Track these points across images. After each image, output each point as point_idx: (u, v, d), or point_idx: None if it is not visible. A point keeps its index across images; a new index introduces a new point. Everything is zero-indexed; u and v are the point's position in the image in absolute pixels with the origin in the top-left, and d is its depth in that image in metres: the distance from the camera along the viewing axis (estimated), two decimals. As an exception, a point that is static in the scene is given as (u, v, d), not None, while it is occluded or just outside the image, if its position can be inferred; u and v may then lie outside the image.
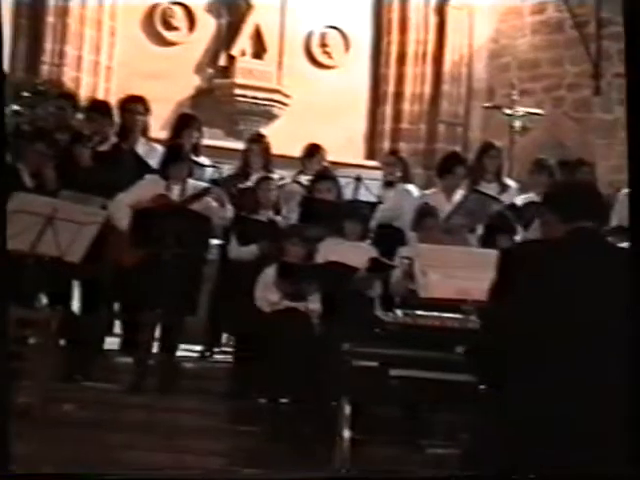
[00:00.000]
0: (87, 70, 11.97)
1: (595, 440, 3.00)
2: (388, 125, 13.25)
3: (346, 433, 5.07)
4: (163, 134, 8.37)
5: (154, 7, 12.57)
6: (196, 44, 12.78)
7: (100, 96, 11.29)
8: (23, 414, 5.41)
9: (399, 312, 5.21)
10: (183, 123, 8.03)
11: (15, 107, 8.74)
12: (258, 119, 12.77)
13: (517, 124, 11.46)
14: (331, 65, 13.32)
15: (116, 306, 7.67)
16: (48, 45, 11.64)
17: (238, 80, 12.67)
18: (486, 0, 13.26)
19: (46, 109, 7.87)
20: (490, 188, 7.86)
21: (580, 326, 3.06)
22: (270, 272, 6.65)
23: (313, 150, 8.41)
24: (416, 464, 5.78)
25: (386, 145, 12.81)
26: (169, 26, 12.64)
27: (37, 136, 7.30)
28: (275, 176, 7.80)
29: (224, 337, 8.20)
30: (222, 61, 12.83)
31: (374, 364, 4.94)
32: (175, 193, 7.02)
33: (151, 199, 6.90)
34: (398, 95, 13.23)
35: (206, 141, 8.53)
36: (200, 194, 7.00)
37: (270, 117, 12.82)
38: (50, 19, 11.66)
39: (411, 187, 8.18)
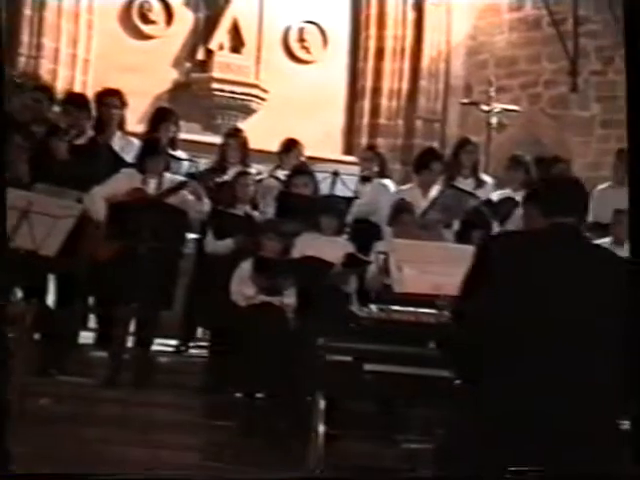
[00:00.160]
0: (64, 63, 11.90)
1: (575, 436, 3.00)
2: (366, 120, 13.25)
3: (321, 428, 5.07)
4: (140, 128, 8.35)
5: (131, 0, 12.52)
6: (174, 38, 12.73)
7: (77, 89, 11.24)
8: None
9: (374, 307, 5.21)
10: (160, 117, 8.02)
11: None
12: (236, 113, 12.74)
13: (494, 121, 11.50)
14: (309, 60, 13.31)
15: (91, 300, 7.65)
16: (25, 37, 11.57)
17: (216, 74, 12.64)
18: (464, -3, 13.31)
19: (22, 101, 7.82)
20: (466, 184, 7.89)
21: (556, 320, 3.05)
22: (246, 266, 6.64)
23: (290, 145, 8.41)
24: (391, 459, 5.80)
25: (364, 140, 12.81)
26: (147, 19, 12.58)
27: (13, 128, 7.25)
28: (252, 171, 7.80)
29: (199, 331, 8.19)
30: (200, 55, 12.78)
31: (348, 359, 4.94)
32: (151, 187, 7.01)
33: (127, 193, 6.88)
34: (376, 90, 13.24)
35: (184, 135, 8.52)
36: (177, 188, 6.99)
37: (248, 112, 12.79)
38: (27, 11, 11.59)
39: (388, 182, 8.20)
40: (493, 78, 12.10)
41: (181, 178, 7.25)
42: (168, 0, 12.66)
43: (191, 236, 7.55)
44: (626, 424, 3.22)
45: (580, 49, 12.43)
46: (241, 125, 10.94)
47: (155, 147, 7.22)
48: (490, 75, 12.42)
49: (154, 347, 7.19)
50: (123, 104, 7.83)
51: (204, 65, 12.76)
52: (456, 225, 7.60)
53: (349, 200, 7.70)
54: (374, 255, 6.72)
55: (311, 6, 13.15)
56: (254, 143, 8.30)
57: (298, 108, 12.47)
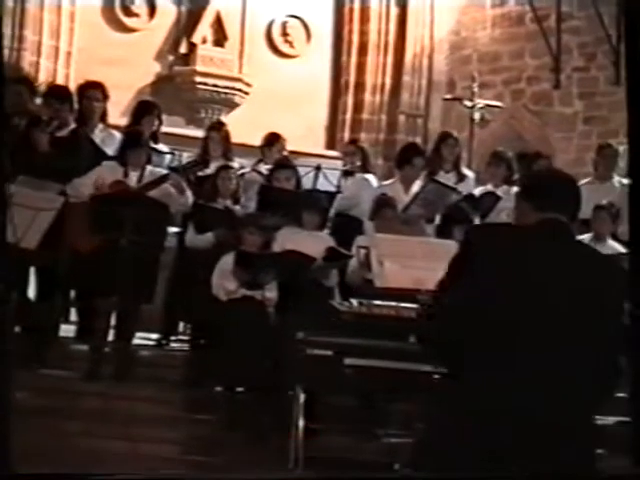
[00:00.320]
0: (46, 55, 11.87)
1: (554, 431, 3.00)
2: (349, 115, 13.28)
3: (301, 422, 5.07)
4: (123, 121, 8.33)
5: (114, -8, 12.50)
6: (156, 31, 12.71)
7: (59, 81, 11.21)
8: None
9: (354, 301, 5.21)
10: (143, 110, 8.00)
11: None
12: (219, 107, 12.74)
13: (477, 116, 11.54)
14: (292, 54, 13.31)
15: (72, 293, 7.63)
16: (7, 29, 11.51)
17: (199, 68, 12.63)
18: (447, -8, 13.33)
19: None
20: (448, 178, 7.92)
21: (541, 315, 3.05)
22: (228, 260, 6.63)
23: (273, 139, 8.42)
24: (371, 453, 5.81)
25: (347, 135, 12.85)
26: (129, 12, 12.56)
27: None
28: (235, 165, 7.79)
29: (181, 325, 8.18)
30: (183, 48, 12.77)
31: (329, 353, 4.95)
32: (133, 180, 6.99)
33: (108, 185, 6.87)
34: (359, 85, 13.27)
35: (167, 129, 8.51)
36: (158, 181, 6.98)
37: (231, 105, 12.79)
38: (9, 3, 11.52)
39: (370, 177, 8.21)
40: (476, 74, 12.14)
41: (163, 171, 7.24)
42: (151, -7, 12.65)
43: (172, 230, 7.54)
44: (604, 420, 3.23)
45: (563, 45, 12.48)
46: (224, 119, 10.94)
47: (137, 140, 7.20)
48: (473, 71, 12.46)
49: (135, 341, 7.17)
50: (105, 97, 7.80)
51: (187, 58, 12.75)
52: (438, 220, 7.61)
53: (331, 195, 7.70)
54: (355, 249, 6.72)
55: (294, 0, 13.14)
56: (237, 137, 8.29)
57: (281, 102, 12.47)
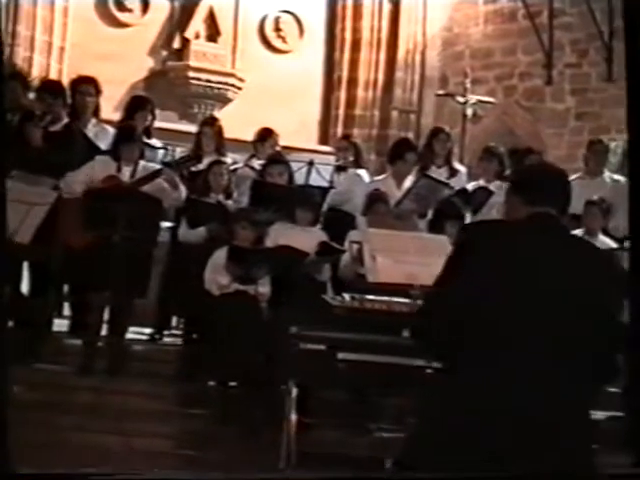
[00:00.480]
0: (40, 50, 11.86)
1: (548, 427, 3.01)
2: (341, 111, 13.30)
3: (293, 416, 5.09)
4: (116, 116, 8.33)
5: (107, -12, 12.49)
6: (150, 26, 12.71)
7: (53, 77, 11.19)
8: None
9: (347, 296, 5.23)
10: (136, 105, 8.00)
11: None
12: (212, 102, 12.75)
13: (469, 112, 11.56)
14: (285, 50, 13.32)
15: (65, 288, 7.63)
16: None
17: (192, 63, 12.64)
18: (440, -12, 13.35)
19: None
20: (440, 173, 7.94)
21: (535, 309, 3.05)
22: (221, 254, 6.64)
23: (266, 134, 8.42)
24: (364, 447, 5.83)
25: (339, 130, 12.87)
26: (122, 7, 12.55)
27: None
28: (228, 160, 7.79)
29: (174, 320, 8.19)
30: (176, 44, 12.78)
31: (322, 347, 4.96)
32: (126, 175, 7.00)
33: (101, 180, 6.87)
34: (352, 81, 13.28)
35: (160, 124, 8.51)
36: (151, 176, 6.99)
37: (224, 100, 12.79)
38: (2, -1, 11.53)
39: (362, 172, 8.23)
40: (468, 70, 12.16)
41: (156, 166, 7.25)
42: (144, -12, 12.64)
43: (165, 224, 7.55)
44: (595, 415, 3.23)
45: (555, 42, 12.50)
46: (217, 114, 10.96)
47: (130, 135, 7.21)
48: (466, 67, 12.48)
49: (128, 335, 7.18)
50: (98, 92, 7.80)
51: (180, 54, 12.76)
52: (430, 215, 7.63)
53: (324, 190, 7.71)
54: (348, 244, 6.74)
55: (287, -5, 13.18)
56: (230, 132, 8.30)
57: (274, 97, 12.48)
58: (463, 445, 2.98)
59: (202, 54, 12.72)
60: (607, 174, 8.38)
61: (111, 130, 7.56)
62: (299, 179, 7.67)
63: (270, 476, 4.32)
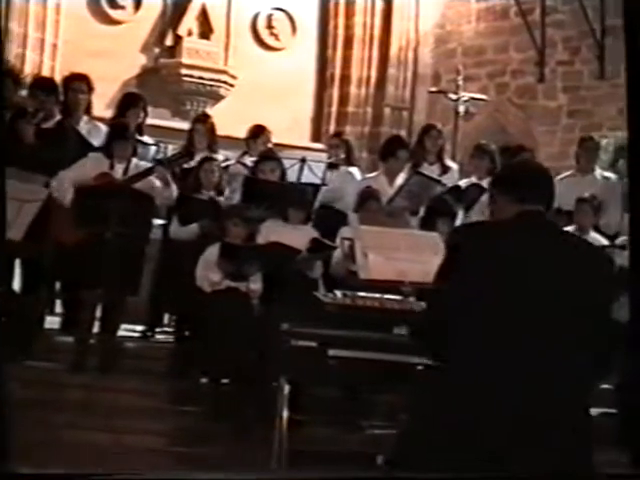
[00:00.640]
0: (32, 47, 11.84)
1: (541, 425, 3.01)
2: (334, 108, 13.30)
3: (285, 413, 5.09)
4: (108, 113, 8.32)
5: (99, -15, 12.47)
6: (142, 23, 12.70)
7: (45, 74, 11.17)
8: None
9: (338, 293, 5.24)
10: (129, 102, 8.00)
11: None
12: (204, 99, 12.74)
13: (462, 109, 11.56)
14: (278, 47, 13.32)
15: (57, 285, 7.63)
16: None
17: (184, 60, 12.63)
18: (432, -14, 13.37)
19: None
20: (432, 170, 7.94)
21: (528, 307, 3.05)
22: (213, 251, 6.64)
23: (258, 131, 8.42)
24: (355, 444, 5.84)
25: (332, 128, 12.87)
26: (115, 4, 12.54)
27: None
28: (219, 157, 7.80)
29: (166, 317, 8.20)
30: (169, 41, 12.76)
31: (313, 344, 4.97)
32: (118, 172, 7.00)
33: (94, 177, 6.87)
34: (344, 78, 13.29)
35: (152, 121, 8.50)
36: (144, 173, 6.99)
37: (216, 98, 12.79)
38: (-6, -5, 11.51)
39: (354, 169, 8.24)
40: (461, 67, 12.17)
41: (148, 164, 7.24)
42: (136, -15, 12.63)
43: (157, 222, 7.55)
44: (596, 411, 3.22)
45: (547, 39, 12.52)
46: (209, 111, 10.95)
47: (123, 132, 7.21)
48: (458, 64, 12.48)
49: (120, 332, 7.18)
50: (90, 89, 7.80)
51: (173, 51, 12.75)
52: (422, 212, 7.64)
53: (316, 188, 7.71)
54: (339, 241, 6.75)
55: (280, -8, 13.18)
56: (222, 129, 8.30)
57: (267, 95, 12.48)
58: (455, 443, 2.98)
59: (195, 51, 12.71)
60: (598, 171, 8.40)
61: (103, 127, 7.56)
62: (291, 176, 7.67)
63: (267, 476, 4.32)
